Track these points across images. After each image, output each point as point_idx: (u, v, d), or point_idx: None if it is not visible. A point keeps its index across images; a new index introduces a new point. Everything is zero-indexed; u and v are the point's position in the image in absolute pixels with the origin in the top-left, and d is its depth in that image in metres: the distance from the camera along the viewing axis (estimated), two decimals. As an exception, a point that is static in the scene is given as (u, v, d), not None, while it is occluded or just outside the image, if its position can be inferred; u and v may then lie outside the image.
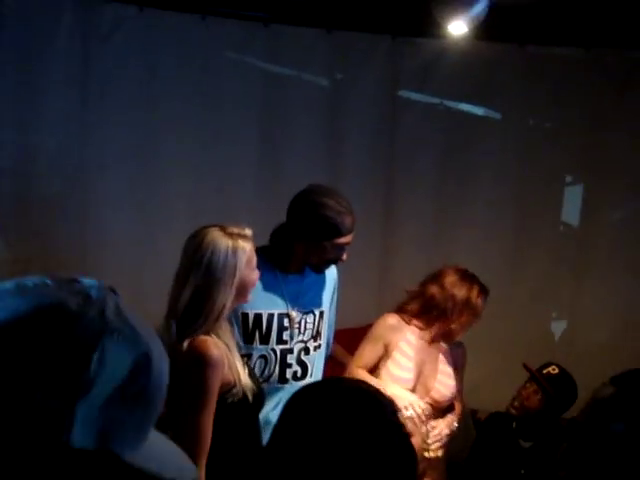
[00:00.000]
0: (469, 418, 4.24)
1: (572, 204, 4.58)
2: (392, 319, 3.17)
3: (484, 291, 3.15)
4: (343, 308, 4.46)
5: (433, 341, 3.19)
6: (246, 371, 2.41)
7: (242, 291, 2.39)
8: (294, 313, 2.75)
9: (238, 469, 2.40)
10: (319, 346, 2.86)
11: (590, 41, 4.31)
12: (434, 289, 3.12)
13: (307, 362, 2.81)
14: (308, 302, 2.79)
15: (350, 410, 1.24)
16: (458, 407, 3.31)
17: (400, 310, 3.20)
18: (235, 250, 2.32)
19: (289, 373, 2.75)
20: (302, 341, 2.78)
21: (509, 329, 4.48)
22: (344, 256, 2.75)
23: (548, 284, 4.45)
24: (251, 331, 2.68)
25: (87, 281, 0.88)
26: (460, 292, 3.10)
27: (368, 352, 3.14)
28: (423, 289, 3.17)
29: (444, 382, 3.20)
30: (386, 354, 3.15)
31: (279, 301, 2.74)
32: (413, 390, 3.11)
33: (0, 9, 3.66)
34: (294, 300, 2.76)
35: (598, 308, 4.43)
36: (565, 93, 4.41)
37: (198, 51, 4.18)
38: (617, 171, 4.38)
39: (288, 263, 2.76)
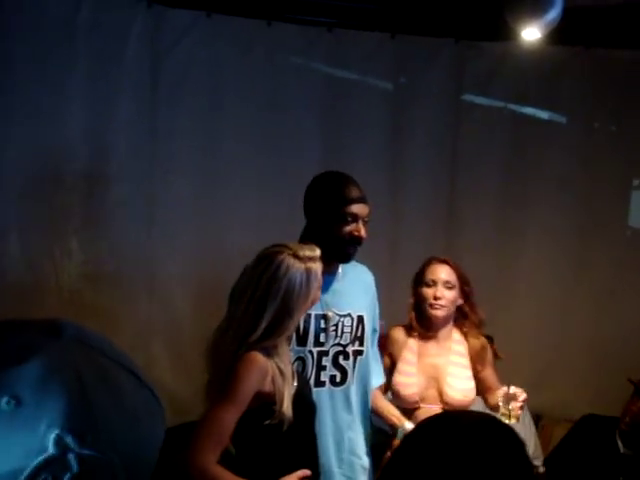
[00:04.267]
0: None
1: (639, 208, 4.52)
2: (394, 333, 3.20)
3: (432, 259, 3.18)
4: (404, 310, 4.48)
5: (437, 342, 3.16)
6: (294, 384, 2.42)
7: (307, 309, 2.47)
8: (330, 314, 2.72)
9: None
10: (361, 352, 2.82)
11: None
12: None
13: (347, 367, 2.77)
14: (345, 304, 2.76)
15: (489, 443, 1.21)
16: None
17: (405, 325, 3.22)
18: (309, 277, 2.36)
19: (324, 376, 2.72)
20: (339, 344, 2.75)
21: (572, 332, 4.45)
22: (362, 231, 2.70)
23: (615, 288, 4.40)
24: None
25: None
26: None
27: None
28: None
29: (454, 385, 3.10)
30: (393, 366, 3.17)
31: None
32: (422, 397, 3.09)
33: (75, 17, 3.76)
34: (330, 301, 2.73)
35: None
36: (631, 96, 4.36)
37: (263, 56, 4.23)
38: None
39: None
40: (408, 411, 3.07)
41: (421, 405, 3.09)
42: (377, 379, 3.02)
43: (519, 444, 1.23)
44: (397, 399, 3.12)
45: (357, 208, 2.70)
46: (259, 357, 2.31)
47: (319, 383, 2.72)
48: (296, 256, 2.36)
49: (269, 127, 4.27)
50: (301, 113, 4.32)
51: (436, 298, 3.09)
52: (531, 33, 3.56)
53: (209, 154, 4.19)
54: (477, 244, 4.50)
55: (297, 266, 2.35)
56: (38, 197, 3.79)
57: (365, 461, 2.89)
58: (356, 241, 2.72)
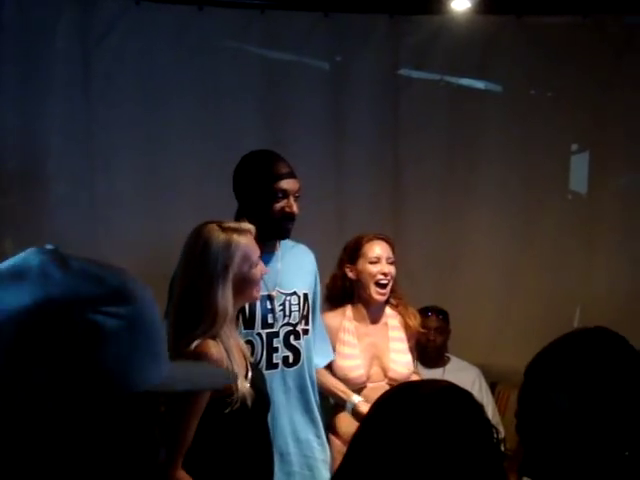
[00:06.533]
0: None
1: (579, 172, 4.60)
2: (326, 320, 3.12)
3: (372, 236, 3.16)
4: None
5: (373, 320, 3.16)
6: (249, 376, 2.38)
7: (243, 288, 2.37)
8: (275, 293, 2.70)
9: (247, 475, 2.40)
10: (307, 331, 2.81)
11: (587, 8, 4.30)
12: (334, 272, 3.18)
13: (299, 347, 2.75)
14: (289, 283, 2.74)
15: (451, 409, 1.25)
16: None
17: (333, 307, 3.20)
18: (228, 244, 2.30)
19: (277, 358, 2.70)
20: (289, 324, 2.73)
21: (520, 298, 4.52)
22: (293, 207, 2.69)
23: (559, 252, 4.47)
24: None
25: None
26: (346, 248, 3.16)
27: None
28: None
29: (398, 360, 3.13)
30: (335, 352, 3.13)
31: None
32: (368, 376, 3.09)
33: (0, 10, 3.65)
34: (273, 281, 2.70)
35: (609, 275, 4.45)
36: (565, 61, 4.41)
37: (196, 42, 4.16)
38: (621, 136, 4.39)
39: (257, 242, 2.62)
40: (354, 391, 3.07)
41: (367, 384, 3.09)
42: (325, 358, 3.01)
43: (478, 408, 1.28)
44: (343, 383, 3.10)
45: (286, 184, 2.68)
46: (211, 349, 2.26)
47: (271, 365, 2.70)
48: (220, 227, 2.33)
49: (207, 114, 4.22)
50: (239, 98, 4.27)
51: (385, 274, 3.09)
52: (460, 3, 3.60)
53: (148, 146, 4.13)
54: (423, 216, 4.53)
55: (216, 235, 2.30)
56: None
57: (323, 439, 2.90)
58: (288, 217, 2.70)
